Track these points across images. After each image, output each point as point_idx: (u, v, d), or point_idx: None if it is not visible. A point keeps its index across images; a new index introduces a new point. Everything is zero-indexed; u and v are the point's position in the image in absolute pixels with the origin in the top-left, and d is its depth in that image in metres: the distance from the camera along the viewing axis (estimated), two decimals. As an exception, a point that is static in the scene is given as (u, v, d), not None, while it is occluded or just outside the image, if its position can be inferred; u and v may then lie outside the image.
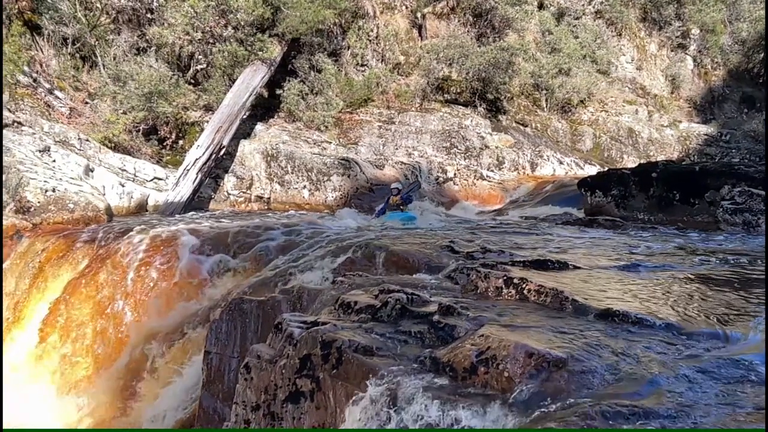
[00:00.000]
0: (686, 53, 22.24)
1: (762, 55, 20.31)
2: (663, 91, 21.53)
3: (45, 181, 8.75)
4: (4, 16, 11.63)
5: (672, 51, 22.29)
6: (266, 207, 12.32)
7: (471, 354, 2.08)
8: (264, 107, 14.16)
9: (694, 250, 4.62)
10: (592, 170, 14.04)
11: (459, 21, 17.93)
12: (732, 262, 3.96)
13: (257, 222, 7.90)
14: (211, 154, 11.38)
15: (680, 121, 20.21)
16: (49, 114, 11.17)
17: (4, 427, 5.50)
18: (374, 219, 9.59)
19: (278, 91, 14.05)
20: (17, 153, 9.26)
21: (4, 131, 9.57)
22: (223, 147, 11.83)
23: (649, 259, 4.10)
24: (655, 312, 2.55)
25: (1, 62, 9.90)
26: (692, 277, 3.39)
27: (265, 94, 14.15)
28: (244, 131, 13.16)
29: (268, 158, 12.80)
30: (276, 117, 14.25)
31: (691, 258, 4.21)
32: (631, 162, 16.67)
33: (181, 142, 12.61)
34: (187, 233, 7.13)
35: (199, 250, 6.80)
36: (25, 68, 11.35)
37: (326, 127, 14.28)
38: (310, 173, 12.89)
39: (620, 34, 21.49)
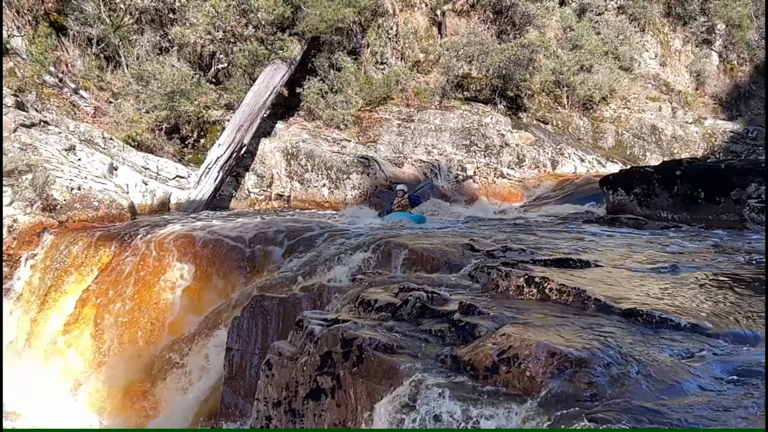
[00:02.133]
0: (711, 49, 21.81)
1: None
2: (687, 88, 21.15)
3: (71, 180, 8.92)
4: (31, 18, 11.86)
5: (697, 47, 21.88)
6: (286, 205, 12.39)
7: (492, 353, 2.08)
8: (284, 106, 14.24)
9: (721, 249, 4.54)
10: (614, 168, 13.87)
11: (479, 18, 17.81)
12: (756, 261, 3.89)
13: (267, 227, 7.32)
14: (232, 153, 11.48)
15: (705, 118, 19.84)
16: (75, 113, 11.36)
17: (4, 427, 5.57)
18: (379, 220, 9.16)
19: (298, 90, 14.11)
20: (44, 152, 9.45)
21: (32, 130, 9.78)
22: (244, 146, 11.93)
23: (674, 258, 4.04)
24: (680, 312, 2.52)
25: (1, 60, 10.00)
26: (718, 276, 3.34)
27: (285, 92, 14.23)
28: (265, 130, 13.25)
29: (288, 157, 12.87)
30: (296, 115, 14.32)
31: (717, 257, 4.14)
32: (654, 160, 16.41)
33: (202, 140, 12.74)
34: (178, 262, 6.59)
35: (192, 293, 6.31)
36: (51, 68, 11.57)
37: (345, 125, 14.31)
38: (329, 171, 12.93)
39: (643, 30, 21.15)
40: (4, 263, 7.69)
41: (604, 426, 1.60)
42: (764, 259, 3.91)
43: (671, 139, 18.34)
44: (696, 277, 3.30)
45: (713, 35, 21.70)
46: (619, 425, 1.59)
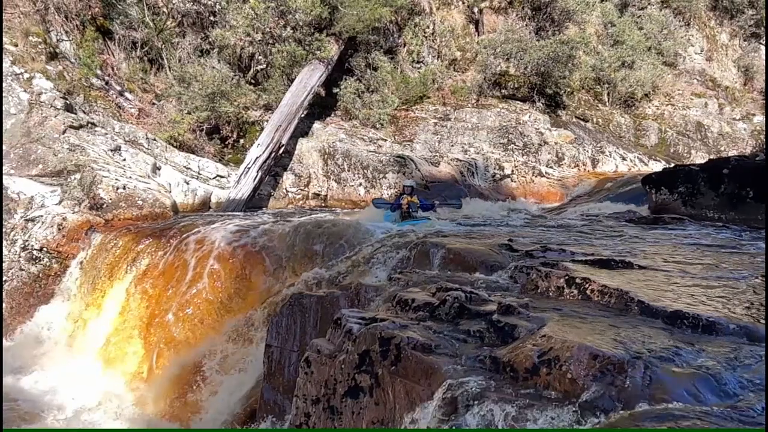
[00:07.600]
0: (760, 43, 21.00)
1: None
2: (735, 83, 20.43)
3: (116, 179, 9.20)
4: (78, 23, 12.26)
5: (745, 41, 21.11)
6: (323, 204, 12.50)
7: (532, 354, 2.05)
8: (321, 106, 14.36)
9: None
10: (657, 166, 13.53)
11: (517, 15, 17.59)
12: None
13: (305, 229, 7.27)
14: (270, 153, 11.64)
15: (754, 115, 19.12)
16: (120, 115, 11.71)
17: (4, 427, 5.70)
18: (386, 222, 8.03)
19: (335, 90, 14.21)
20: (91, 152, 9.77)
21: (80, 132, 10.12)
22: (282, 145, 12.09)
23: (722, 259, 3.91)
24: (728, 315, 2.44)
25: (1, 61, 10.26)
26: (768, 279, 3.22)
27: (323, 92, 14.34)
28: (302, 130, 13.39)
29: (325, 156, 12.98)
30: (333, 115, 14.43)
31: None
32: (699, 158, 15.94)
33: (242, 140, 12.95)
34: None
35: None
36: (98, 71, 11.94)
37: (382, 124, 14.34)
38: (365, 171, 12.98)
39: (688, 24, 20.52)
40: (54, 260, 8.01)
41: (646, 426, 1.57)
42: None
43: (718, 137, 17.76)
44: (747, 280, 3.19)
45: (762, 29, 20.89)
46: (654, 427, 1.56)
